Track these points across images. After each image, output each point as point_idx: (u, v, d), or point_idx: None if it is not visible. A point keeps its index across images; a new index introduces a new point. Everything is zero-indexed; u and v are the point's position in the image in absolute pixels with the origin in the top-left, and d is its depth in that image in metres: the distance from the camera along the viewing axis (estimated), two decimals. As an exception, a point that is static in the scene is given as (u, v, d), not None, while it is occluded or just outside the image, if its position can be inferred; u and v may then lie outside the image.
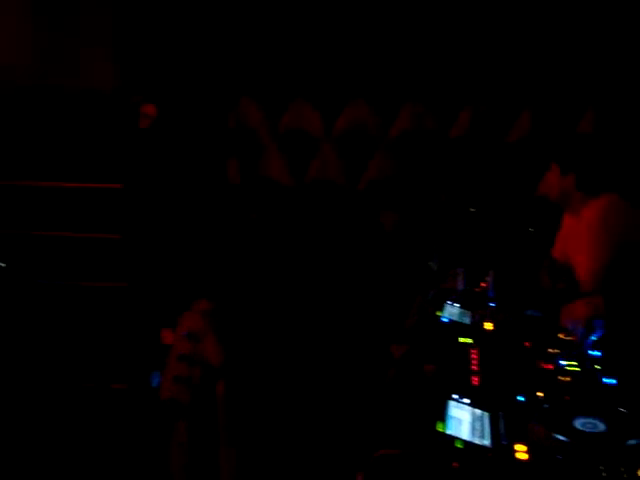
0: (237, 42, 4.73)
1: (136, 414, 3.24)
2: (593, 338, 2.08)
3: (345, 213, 4.88)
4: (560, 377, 1.86)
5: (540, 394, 1.74)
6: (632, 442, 1.49)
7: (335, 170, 5.11)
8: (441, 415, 1.59)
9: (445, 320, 2.25)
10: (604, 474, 1.39)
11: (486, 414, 1.64)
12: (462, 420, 1.59)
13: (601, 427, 1.56)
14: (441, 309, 2.33)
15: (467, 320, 2.31)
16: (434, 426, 1.55)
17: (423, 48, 4.75)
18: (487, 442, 1.52)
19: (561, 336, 2.15)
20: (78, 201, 4.07)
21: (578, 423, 1.57)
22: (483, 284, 2.63)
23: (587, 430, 1.54)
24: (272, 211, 4.94)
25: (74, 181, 4.14)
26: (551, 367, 1.92)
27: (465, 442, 1.50)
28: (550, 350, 2.04)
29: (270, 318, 3.51)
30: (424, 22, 4.67)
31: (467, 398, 1.69)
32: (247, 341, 2.77)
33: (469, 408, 1.65)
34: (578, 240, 2.92)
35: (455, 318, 2.29)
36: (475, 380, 1.83)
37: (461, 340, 2.09)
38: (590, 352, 2.03)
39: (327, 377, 2.87)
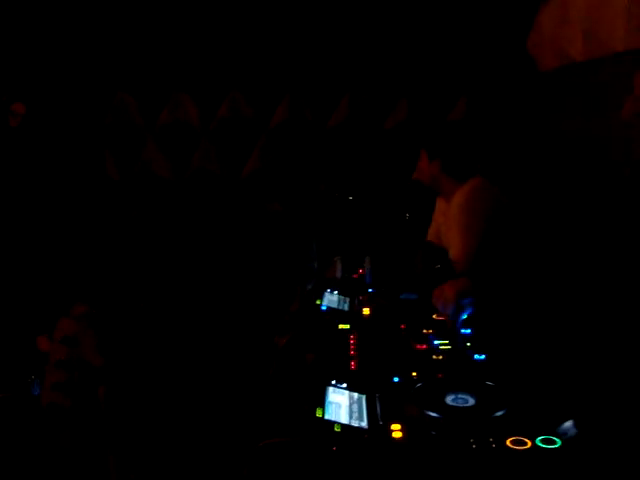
0: (111, 35, 4.61)
1: (20, 423, 3.13)
2: (464, 317, 2.17)
3: (227, 204, 4.87)
4: (434, 356, 1.94)
5: (414, 374, 1.81)
6: (499, 413, 1.57)
7: (216, 162, 5.09)
8: (321, 401, 1.63)
9: (324, 308, 2.30)
10: (474, 446, 1.46)
11: (363, 397, 1.68)
12: (340, 404, 1.63)
13: (471, 401, 1.63)
14: (321, 298, 2.37)
15: (346, 307, 2.37)
16: (314, 413, 1.58)
17: (297, 40, 4.78)
18: (364, 424, 1.56)
19: (435, 317, 2.25)
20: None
21: (449, 399, 1.64)
22: (361, 270, 2.71)
23: (458, 405, 1.62)
24: (153, 205, 4.87)
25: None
26: (425, 347, 2.00)
27: (343, 425, 1.54)
28: (424, 331, 2.12)
29: (150, 316, 3.46)
30: (299, 14, 4.71)
31: (345, 383, 1.73)
32: (127, 342, 2.73)
33: (347, 392, 1.70)
34: (450, 224, 3.03)
35: (334, 305, 2.34)
36: (353, 365, 1.87)
37: (340, 327, 2.14)
38: (461, 330, 2.12)
39: (212, 371, 2.86)
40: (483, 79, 4.86)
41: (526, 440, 1.47)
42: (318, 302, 2.34)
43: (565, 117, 4.23)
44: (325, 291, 2.44)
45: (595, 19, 3.66)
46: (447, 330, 2.13)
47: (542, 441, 1.46)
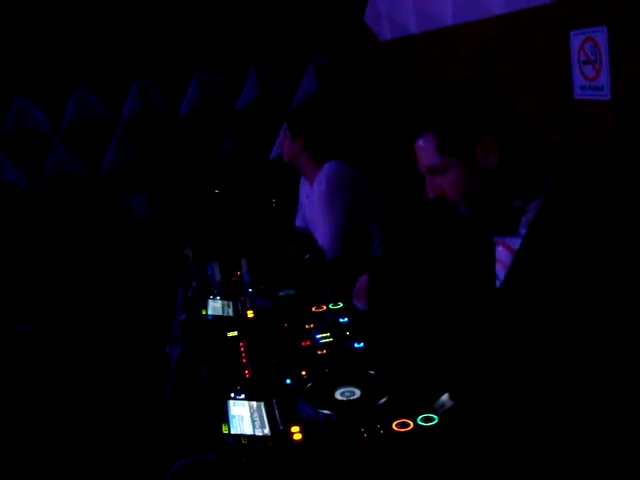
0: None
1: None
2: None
3: (90, 206, 4.81)
4: (318, 351, 2.05)
5: (304, 373, 1.92)
6: (383, 400, 1.74)
7: (72, 163, 4.99)
8: (224, 416, 1.74)
9: (210, 317, 2.35)
10: (365, 435, 1.63)
11: (262, 404, 1.79)
12: (243, 416, 1.75)
13: (357, 393, 1.78)
14: (205, 306, 2.41)
15: (231, 312, 2.41)
16: (221, 429, 1.69)
17: (144, 25, 4.74)
18: (267, 431, 1.69)
19: (314, 309, 2.35)
20: None
21: (338, 394, 1.78)
22: (239, 272, 2.76)
23: (346, 399, 1.76)
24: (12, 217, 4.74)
25: None
26: (309, 343, 2.10)
27: (248, 437, 1.67)
28: (307, 326, 2.21)
29: (27, 329, 3.41)
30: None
31: (243, 393, 1.84)
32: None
33: (246, 402, 1.81)
34: (314, 207, 3.18)
35: (219, 313, 2.38)
36: (247, 373, 1.97)
37: (229, 334, 2.20)
38: (340, 320, 2.23)
39: (106, 386, 2.87)
40: (330, 55, 5.02)
41: (409, 421, 1.65)
42: (203, 312, 2.37)
43: (405, 87, 4.47)
44: (208, 298, 2.47)
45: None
46: (326, 322, 2.25)
47: (422, 420, 1.65)
